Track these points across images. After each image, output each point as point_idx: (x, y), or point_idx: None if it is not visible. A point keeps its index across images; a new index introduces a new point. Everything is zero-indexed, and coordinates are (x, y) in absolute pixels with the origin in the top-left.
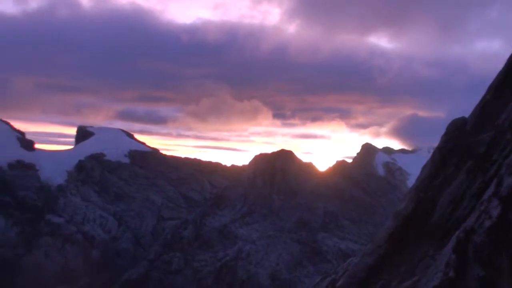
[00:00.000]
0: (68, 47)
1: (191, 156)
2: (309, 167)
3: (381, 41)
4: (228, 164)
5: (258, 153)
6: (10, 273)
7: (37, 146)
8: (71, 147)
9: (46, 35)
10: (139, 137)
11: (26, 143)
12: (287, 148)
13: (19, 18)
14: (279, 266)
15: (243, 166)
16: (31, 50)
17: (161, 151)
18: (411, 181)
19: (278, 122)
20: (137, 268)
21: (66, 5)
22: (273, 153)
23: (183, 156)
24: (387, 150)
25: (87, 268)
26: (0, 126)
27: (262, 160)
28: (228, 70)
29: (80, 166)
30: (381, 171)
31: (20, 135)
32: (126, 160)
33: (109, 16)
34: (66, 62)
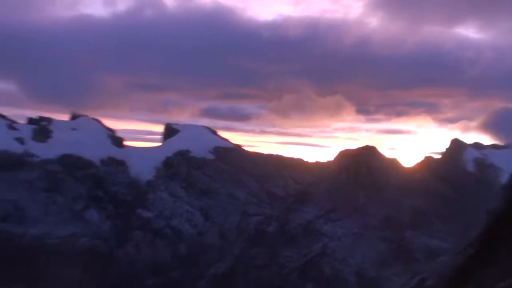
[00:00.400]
0: (154, 47)
1: (274, 152)
2: (393, 163)
3: (470, 31)
4: (311, 160)
5: (341, 149)
6: (103, 264)
7: (126, 143)
8: (158, 144)
9: (133, 36)
10: (223, 133)
11: (116, 140)
12: (371, 144)
13: (108, 20)
14: (365, 263)
15: (327, 162)
16: (119, 51)
17: (244, 148)
18: (504, 178)
19: (362, 117)
20: (223, 263)
21: (152, 6)
22: (358, 149)
23: (266, 152)
24: (478, 146)
25: (176, 262)
26: (92, 124)
27: (346, 156)
28: (310, 65)
29: (168, 163)
30: (471, 167)
31: (111, 133)
32: (211, 157)
33: (192, 15)
34: (152, 61)
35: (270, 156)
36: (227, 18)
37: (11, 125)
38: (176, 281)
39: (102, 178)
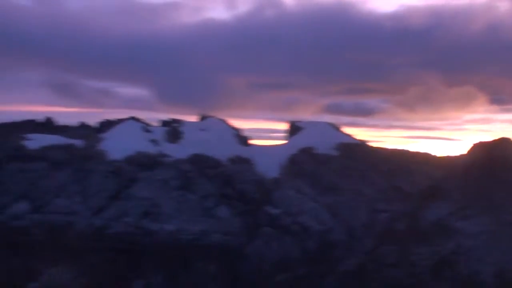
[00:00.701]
0: (276, 46)
1: (401, 147)
2: None
3: None
4: (441, 154)
5: (472, 141)
6: (234, 259)
7: (251, 141)
8: (282, 141)
9: (255, 36)
10: (346, 129)
11: (242, 139)
12: (507, 135)
13: (230, 22)
14: (504, 263)
15: (458, 156)
16: (242, 52)
17: (369, 143)
18: None
19: (495, 107)
20: (352, 260)
21: (272, 5)
22: (493, 141)
23: (392, 147)
24: None
25: (304, 258)
26: (219, 125)
27: (480, 149)
28: (436, 55)
29: (293, 160)
30: None
31: (237, 132)
32: (335, 153)
33: (312, 12)
34: (275, 60)
35: (396, 151)
36: (348, 12)
37: (146, 127)
38: (304, 277)
39: (230, 176)
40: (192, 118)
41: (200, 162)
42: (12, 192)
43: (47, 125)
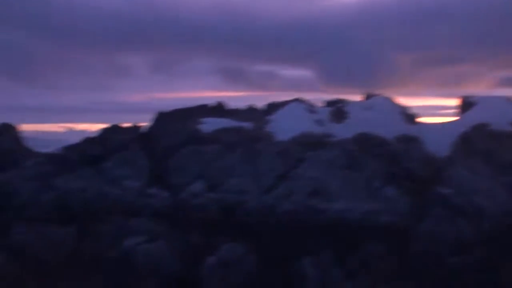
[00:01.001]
0: (443, 18)
1: None
2: None
3: None
4: None
5: None
6: (403, 240)
7: (419, 119)
8: (453, 118)
9: (420, 9)
10: None
11: (409, 117)
12: None
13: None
14: None
15: None
16: (407, 27)
17: None
18: None
19: None
20: None
21: None
22: None
23: None
24: None
25: (480, 241)
26: (385, 103)
27: None
28: None
29: (465, 137)
30: None
31: (404, 110)
32: None
33: None
34: (442, 33)
35: None
36: None
37: (311, 108)
38: (480, 260)
39: (397, 155)
40: (357, 98)
41: (366, 141)
42: (190, 173)
43: (218, 109)
